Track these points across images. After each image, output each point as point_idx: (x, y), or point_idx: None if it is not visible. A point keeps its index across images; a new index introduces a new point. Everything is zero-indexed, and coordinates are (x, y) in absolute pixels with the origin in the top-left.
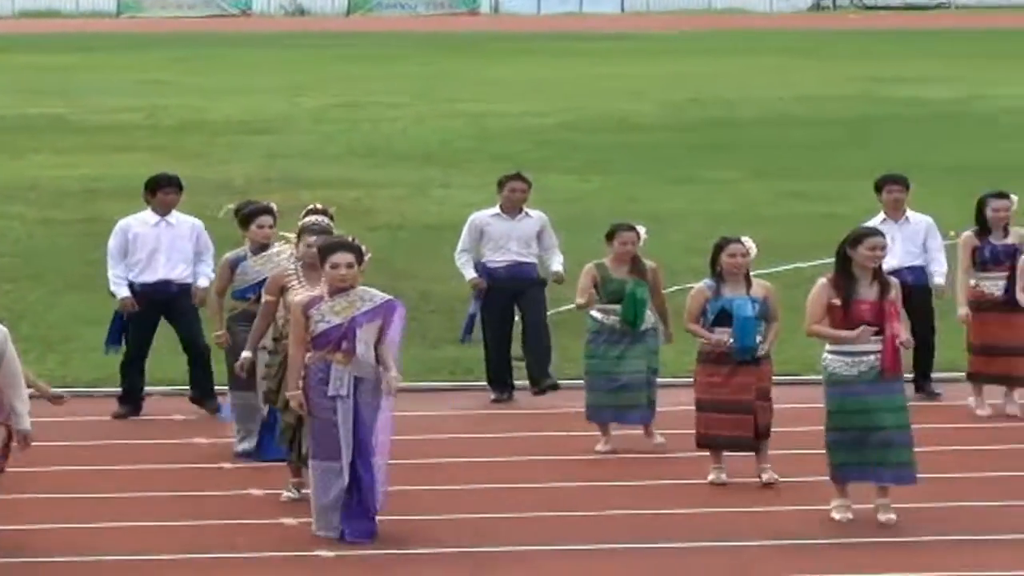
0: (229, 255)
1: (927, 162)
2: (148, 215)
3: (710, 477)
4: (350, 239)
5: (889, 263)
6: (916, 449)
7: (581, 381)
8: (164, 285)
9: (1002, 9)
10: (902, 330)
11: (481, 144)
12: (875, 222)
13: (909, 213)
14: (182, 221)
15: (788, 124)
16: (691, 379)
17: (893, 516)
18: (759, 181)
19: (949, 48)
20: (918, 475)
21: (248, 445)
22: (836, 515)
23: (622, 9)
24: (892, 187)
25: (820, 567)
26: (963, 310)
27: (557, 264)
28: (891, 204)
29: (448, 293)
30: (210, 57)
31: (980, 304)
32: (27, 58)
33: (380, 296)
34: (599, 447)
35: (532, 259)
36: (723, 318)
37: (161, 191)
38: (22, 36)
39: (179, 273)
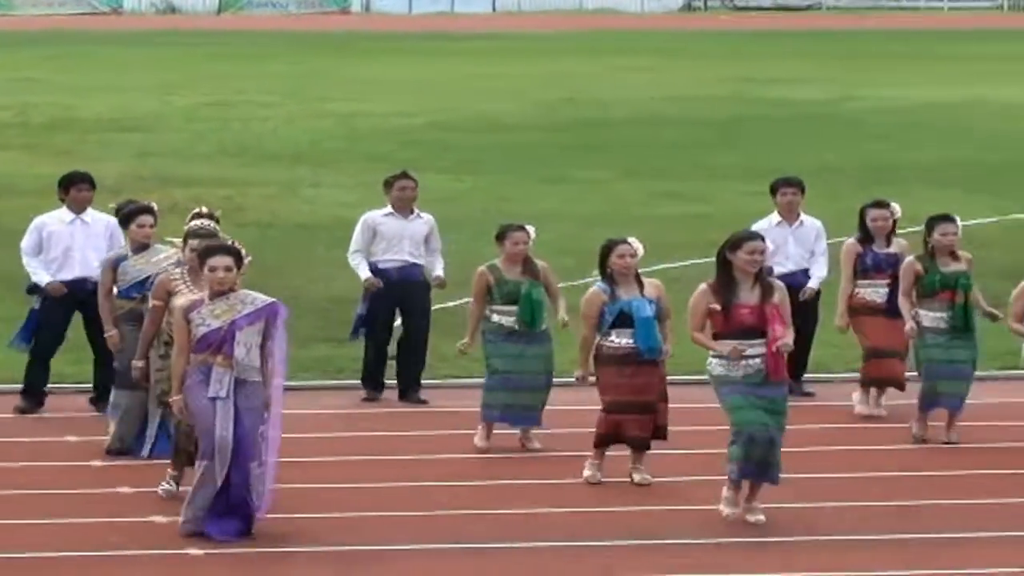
0: (110, 255)
1: (797, 163)
2: (63, 213)
3: (586, 473)
4: (230, 242)
5: (784, 266)
6: (793, 449)
7: (451, 380)
8: (80, 283)
9: (871, 11)
10: (787, 334)
11: (351, 144)
12: (769, 224)
13: (803, 216)
14: (97, 219)
15: (660, 124)
16: (566, 380)
17: (762, 517)
18: (631, 181)
19: (819, 49)
20: (791, 475)
21: (120, 445)
22: (726, 511)
23: (494, 9)
24: (786, 189)
25: (688, 567)
26: (842, 319)
27: (439, 269)
28: (785, 207)
29: (319, 293)
30: (81, 55)
31: (863, 310)
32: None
33: (262, 299)
34: (478, 442)
35: (422, 261)
36: (622, 320)
37: (75, 188)
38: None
39: (95, 271)
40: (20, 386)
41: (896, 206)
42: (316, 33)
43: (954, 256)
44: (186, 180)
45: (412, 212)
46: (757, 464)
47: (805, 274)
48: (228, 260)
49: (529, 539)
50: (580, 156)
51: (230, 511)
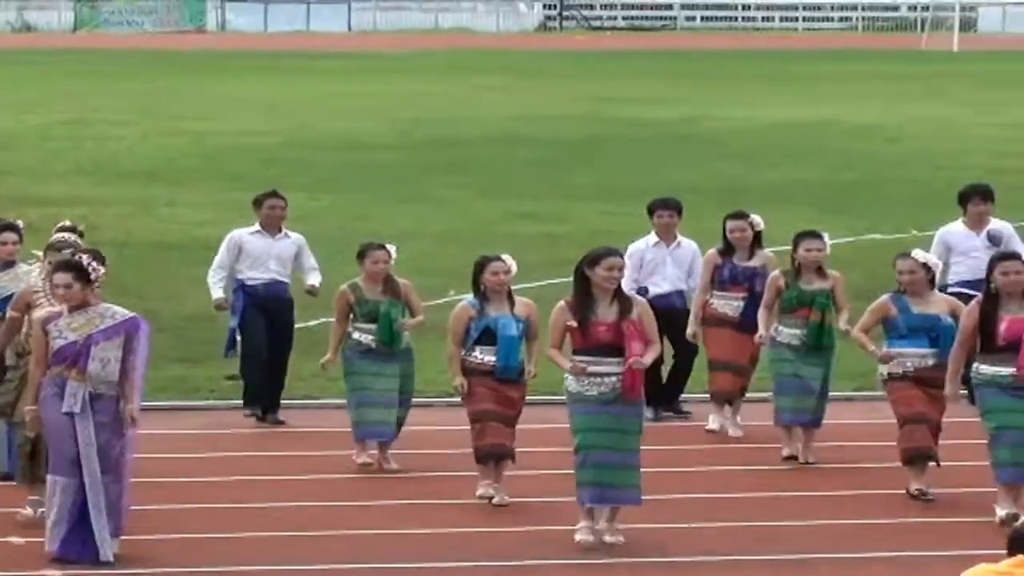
0: None
1: (652, 182)
2: None
3: (479, 492)
4: (76, 257)
5: (660, 287)
6: (655, 470)
7: (308, 400)
8: None
9: (725, 31)
10: (647, 351)
11: (206, 162)
12: (647, 244)
13: (680, 238)
14: None
15: (515, 143)
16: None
17: (621, 538)
18: (487, 200)
19: (674, 69)
20: (655, 496)
21: None
22: (579, 537)
23: (349, 28)
24: (663, 212)
25: None
26: (692, 328)
27: (314, 279)
28: (663, 228)
29: (173, 311)
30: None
31: (713, 321)
32: None
33: (122, 314)
34: (356, 459)
35: (288, 280)
36: (487, 337)
37: None
38: None
39: None
40: None
41: (757, 217)
42: (172, 52)
43: (821, 273)
44: (41, 199)
45: (280, 231)
46: (606, 488)
47: (681, 295)
48: (67, 277)
49: (383, 560)
50: (436, 175)
51: (87, 531)
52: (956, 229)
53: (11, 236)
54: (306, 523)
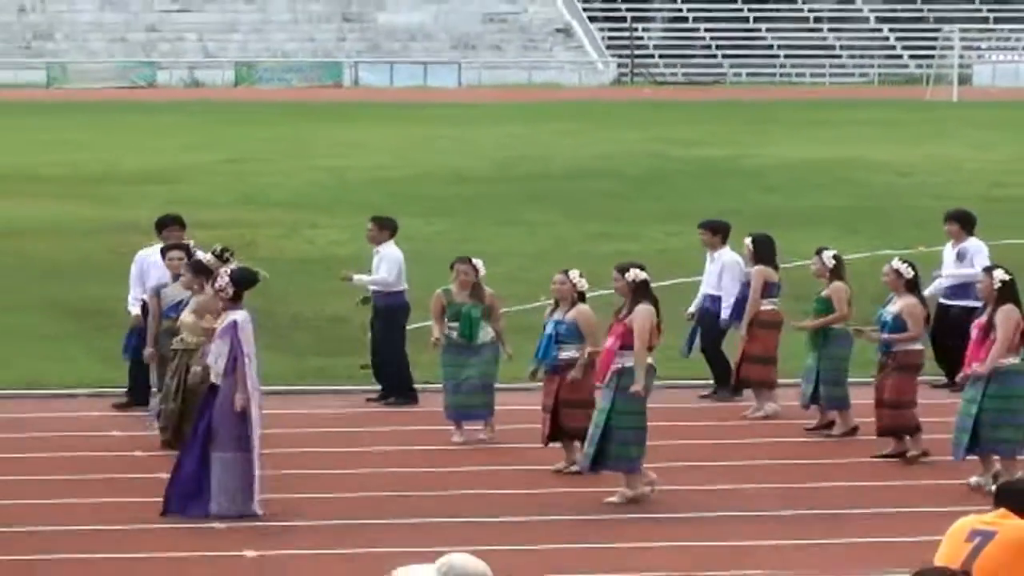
0: (155, 283)
1: (706, 208)
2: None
3: (558, 465)
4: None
5: (703, 291)
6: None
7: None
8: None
9: (766, 84)
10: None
11: (342, 193)
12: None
13: (718, 251)
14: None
15: (593, 177)
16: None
17: (615, 499)
18: (569, 223)
19: (723, 115)
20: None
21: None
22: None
23: (459, 83)
24: (700, 230)
25: (610, 538)
26: (742, 330)
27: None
28: (703, 244)
29: (316, 314)
30: (122, 121)
31: (761, 324)
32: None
33: (231, 319)
34: (454, 438)
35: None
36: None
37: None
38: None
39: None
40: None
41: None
42: (313, 103)
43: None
44: (207, 223)
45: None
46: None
47: (713, 300)
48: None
49: (475, 515)
50: (528, 203)
51: (201, 492)
52: (946, 246)
53: (178, 254)
54: (412, 485)
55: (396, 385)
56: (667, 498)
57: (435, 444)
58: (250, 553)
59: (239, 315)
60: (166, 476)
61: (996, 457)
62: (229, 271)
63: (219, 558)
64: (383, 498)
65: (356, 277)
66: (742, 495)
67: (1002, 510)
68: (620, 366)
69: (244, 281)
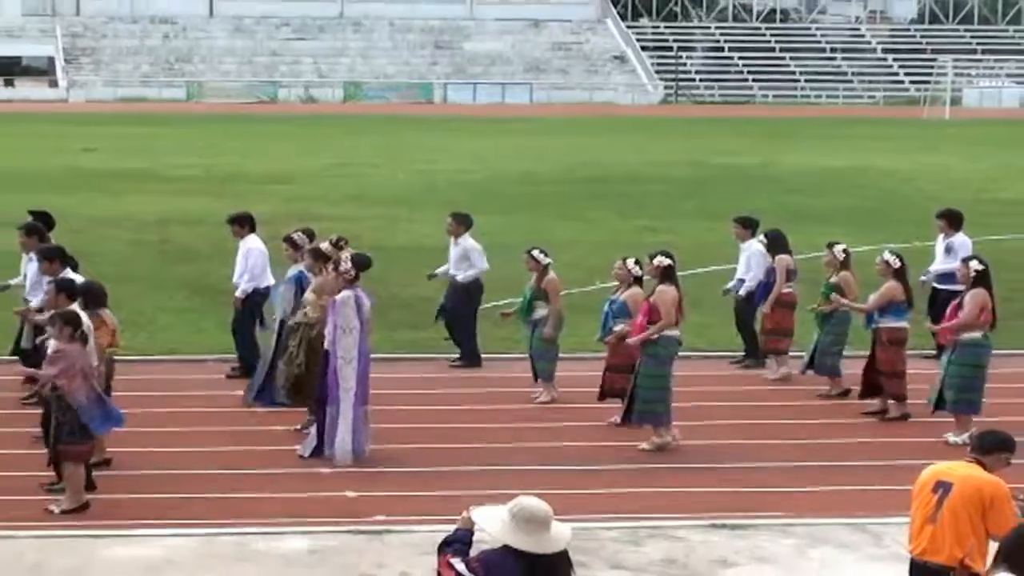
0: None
1: (738, 207)
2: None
3: (612, 419)
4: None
5: (738, 275)
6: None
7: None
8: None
9: (789, 104)
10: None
11: (432, 193)
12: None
13: (748, 243)
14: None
15: (643, 181)
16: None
17: (646, 445)
18: (623, 219)
19: (753, 130)
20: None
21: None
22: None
23: (531, 101)
24: (734, 225)
25: (639, 483)
26: (766, 308)
27: (461, 275)
28: (737, 236)
29: (410, 294)
30: (248, 131)
31: (781, 304)
32: (123, 130)
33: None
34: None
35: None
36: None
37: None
38: (120, 115)
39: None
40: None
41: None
42: (409, 116)
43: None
44: (319, 217)
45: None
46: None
47: (740, 282)
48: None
49: (539, 464)
50: (588, 202)
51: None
52: (937, 240)
53: (284, 245)
54: (487, 438)
55: (468, 351)
56: (693, 450)
57: (507, 403)
58: (351, 493)
59: (351, 293)
60: (279, 428)
61: (969, 415)
62: (351, 256)
63: (326, 497)
64: (463, 449)
65: (439, 271)
66: (757, 448)
67: (965, 460)
68: (636, 334)
69: (363, 265)
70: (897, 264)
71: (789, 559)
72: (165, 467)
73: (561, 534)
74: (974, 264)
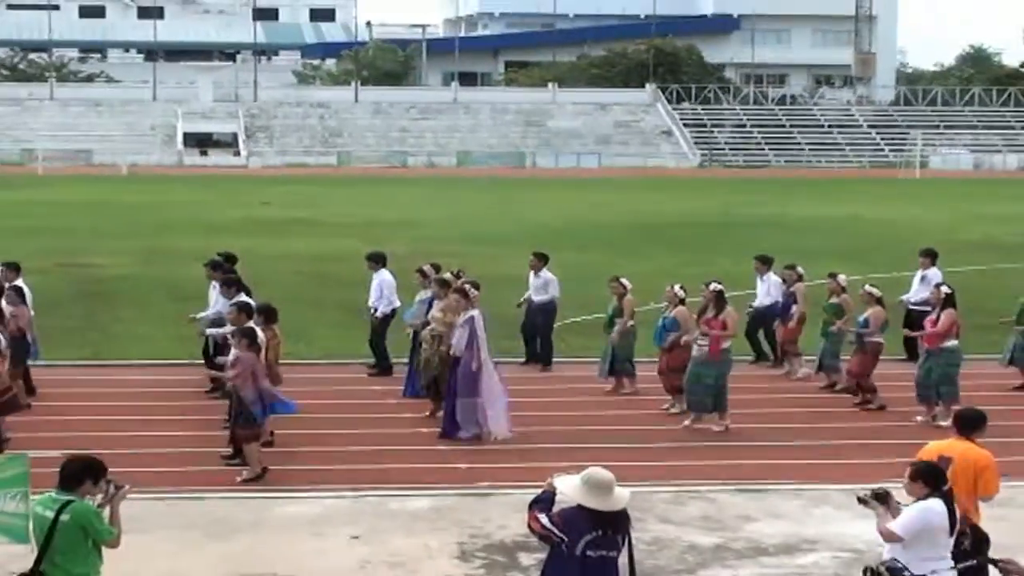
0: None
1: (758, 247)
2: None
3: (674, 408)
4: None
5: (761, 301)
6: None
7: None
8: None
9: (795, 166)
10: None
11: (523, 235)
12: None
13: (766, 275)
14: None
15: (685, 226)
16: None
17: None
18: (670, 255)
19: (769, 187)
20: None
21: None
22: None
23: (599, 165)
24: (756, 262)
25: (678, 457)
26: (792, 323)
27: (540, 298)
28: (755, 270)
29: (504, 313)
30: (384, 188)
31: (799, 322)
32: (289, 188)
33: (468, 314)
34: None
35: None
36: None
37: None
38: (287, 177)
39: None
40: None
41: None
42: (507, 178)
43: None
44: (439, 254)
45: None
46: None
47: (771, 307)
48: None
49: (609, 442)
50: (643, 242)
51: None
52: (917, 272)
53: (416, 276)
54: (566, 422)
55: (545, 357)
56: (726, 432)
57: (578, 396)
58: (463, 465)
59: (475, 312)
60: (409, 415)
61: (939, 402)
62: (469, 283)
63: (442, 468)
64: (546, 431)
65: (524, 297)
66: (774, 431)
67: (953, 438)
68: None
69: (477, 289)
70: (878, 294)
71: (797, 515)
72: (322, 445)
73: (622, 496)
74: (944, 288)
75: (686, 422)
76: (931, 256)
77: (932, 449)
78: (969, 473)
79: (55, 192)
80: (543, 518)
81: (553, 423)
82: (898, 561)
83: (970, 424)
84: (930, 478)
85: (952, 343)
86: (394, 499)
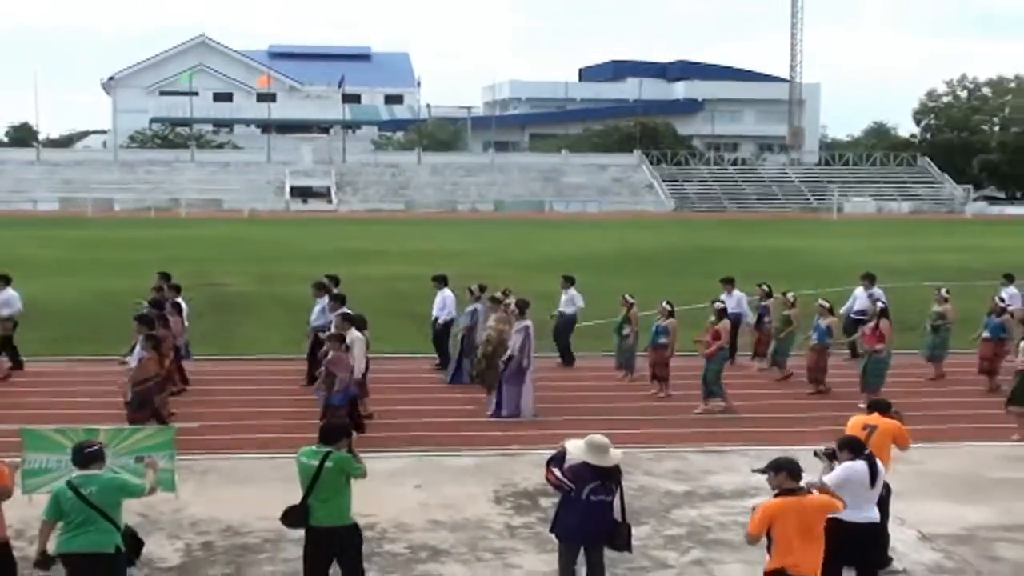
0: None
1: (719, 270)
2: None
3: (661, 393)
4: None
5: (733, 311)
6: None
7: (587, 353)
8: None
9: (747, 211)
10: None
11: (545, 263)
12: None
13: (733, 292)
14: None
15: (663, 256)
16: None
17: (701, 407)
18: (657, 277)
19: (726, 227)
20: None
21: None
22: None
23: (600, 209)
24: (722, 282)
25: (698, 433)
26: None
27: (567, 310)
28: (724, 288)
29: (538, 320)
30: (439, 227)
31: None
32: (369, 228)
33: (521, 325)
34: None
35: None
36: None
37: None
38: (367, 219)
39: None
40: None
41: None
42: (531, 219)
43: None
44: (481, 276)
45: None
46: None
47: (738, 316)
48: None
49: (617, 415)
50: (636, 267)
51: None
52: (858, 289)
53: (467, 293)
54: (580, 401)
55: (568, 356)
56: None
57: (591, 382)
58: (499, 433)
59: (527, 323)
60: (459, 396)
61: (866, 390)
62: (516, 300)
63: (482, 436)
64: (564, 407)
65: (558, 311)
66: (740, 408)
67: (875, 414)
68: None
69: (525, 306)
70: (828, 306)
71: (746, 470)
72: (397, 418)
73: (615, 455)
74: (879, 304)
75: (696, 411)
76: (870, 278)
77: (858, 421)
78: (889, 435)
79: (194, 230)
80: (556, 472)
81: (569, 401)
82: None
83: (882, 407)
84: (853, 447)
85: (880, 347)
86: (447, 459)
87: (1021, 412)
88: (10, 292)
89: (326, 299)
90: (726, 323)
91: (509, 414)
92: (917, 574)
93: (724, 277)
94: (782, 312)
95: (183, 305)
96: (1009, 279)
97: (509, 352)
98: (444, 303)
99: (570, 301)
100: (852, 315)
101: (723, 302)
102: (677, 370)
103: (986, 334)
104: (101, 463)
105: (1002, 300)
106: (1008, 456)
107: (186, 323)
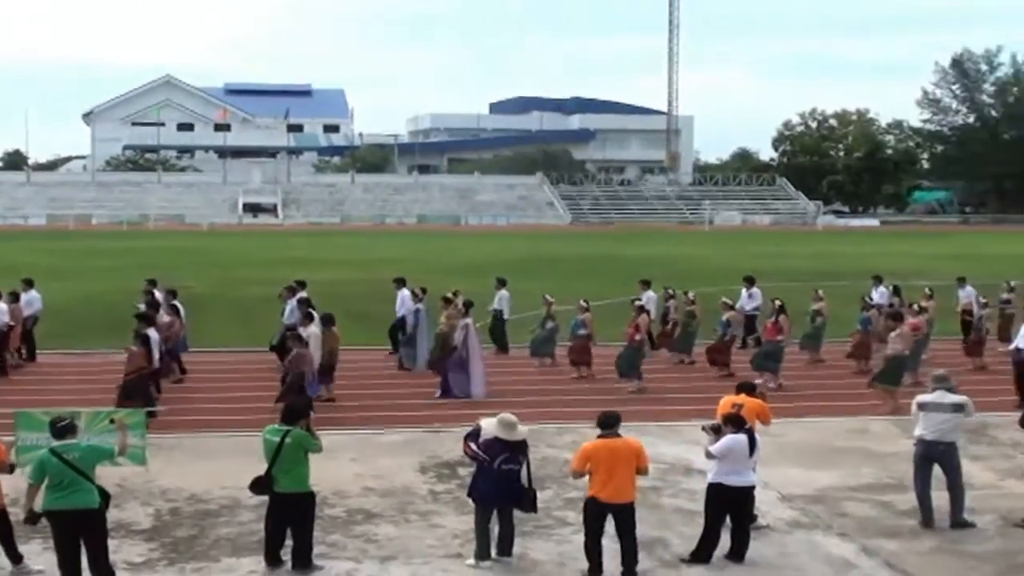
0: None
1: (611, 273)
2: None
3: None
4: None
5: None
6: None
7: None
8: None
9: (635, 223)
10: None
11: (468, 268)
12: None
13: (646, 293)
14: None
15: (565, 262)
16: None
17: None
18: (563, 280)
19: (616, 238)
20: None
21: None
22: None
23: (507, 222)
24: (639, 283)
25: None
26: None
27: (499, 307)
28: (641, 289)
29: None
30: (372, 238)
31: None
32: (309, 239)
33: (463, 322)
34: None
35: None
36: None
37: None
38: (309, 231)
39: None
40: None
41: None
42: (449, 231)
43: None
44: (419, 280)
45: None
46: None
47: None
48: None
49: (525, 397)
50: (543, 270)
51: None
52: (741, 290)
53: (413, 297)
54: (503, 383)
55: (502, 345)
56: (613, 392)
57: (518, 368)
58: (425, 413)
59: (469, 320)
60: (404, 381)
61: (767, 373)
62: (465, 301)
63: (410, 415)
64: (493, 390)
65: (493, 307)
66: (653, 390)
67: (743, 395)
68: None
69: (469, 306)
70: (731, 303)
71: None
72: (359, 400)
73: (522, 431)
74: (777, 302)
75: (630, 388)
76: (751, 280)
77: (728, 400)
78: (755, 410)
79: (161, 241)
80: (472, 445)
81: (496, 383)
82: (716, 474)
83: (748, 388)
84: (735, 423)
85: (780, 338)
86: (378, 435)
87: (887, 390)
88: (33, 294)
89: (295, 300)
90: (644, 318)
91: (463, 395)
92: (779, 528)
93: (642, 279)
94: (685, 308)
95: (179, 307)
96: (878, 280)
97: (453, 344)
98: (403, 301)
99: (501, 299)
100: (747, 312)
101: (642, 301)
102: (598, 357)
103: (858, 326)
104: (74, 434)
105: (870, 299)
106: (854, 429)
107: (183, 321)
